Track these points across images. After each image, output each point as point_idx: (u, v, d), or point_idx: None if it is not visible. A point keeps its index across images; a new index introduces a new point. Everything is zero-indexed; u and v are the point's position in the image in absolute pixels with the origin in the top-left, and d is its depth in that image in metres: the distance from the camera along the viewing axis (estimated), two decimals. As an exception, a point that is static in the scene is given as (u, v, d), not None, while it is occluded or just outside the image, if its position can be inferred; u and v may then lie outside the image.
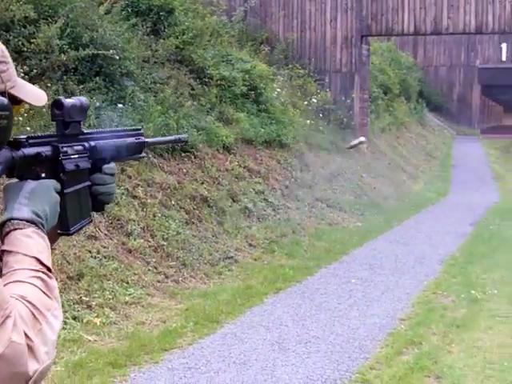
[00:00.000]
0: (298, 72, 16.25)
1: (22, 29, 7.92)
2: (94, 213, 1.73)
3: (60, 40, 8.13)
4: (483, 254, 9.99)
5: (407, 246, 10.57)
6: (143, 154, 1.87)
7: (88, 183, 1.64)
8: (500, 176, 22.31)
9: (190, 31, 11.61)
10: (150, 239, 8.02)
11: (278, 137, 12.80)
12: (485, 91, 33.84)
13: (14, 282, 1.28)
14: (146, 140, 1.85)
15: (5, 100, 1.37)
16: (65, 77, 8.23)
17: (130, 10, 10.77)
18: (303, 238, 10.43)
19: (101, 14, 9.37)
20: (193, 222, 8.95)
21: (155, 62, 10.51)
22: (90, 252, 7.03)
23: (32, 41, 7.89)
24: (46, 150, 1.52)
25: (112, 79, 9.00)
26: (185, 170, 9.62)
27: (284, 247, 9.74)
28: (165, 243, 8.07)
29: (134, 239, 7.72)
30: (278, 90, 13.85)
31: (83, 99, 1.63)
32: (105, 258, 7.17)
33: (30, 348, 1.21)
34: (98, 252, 7.17)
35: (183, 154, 9.81)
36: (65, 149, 1.56)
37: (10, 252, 1.34)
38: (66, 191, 1.55)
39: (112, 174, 1.69)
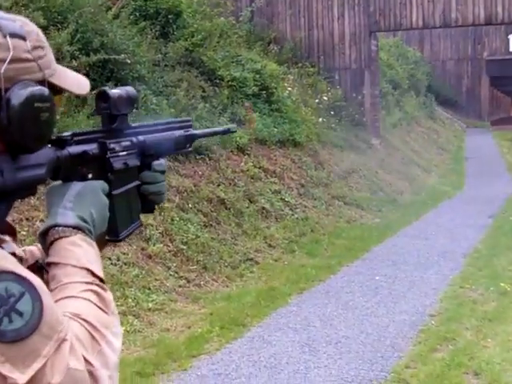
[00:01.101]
0: (308, 70, 16.10)
1: (32, 36, 7.81)
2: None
3: (70, 46, 8.02)
4: (507, 245, 9.81)
5: (428, 241, 10.40)
6: (191, 148, 1.72)
7: (137, 182, 1.50)
8: (514, 167, 22.10)
9: (199, 33, 11.50)
10: (170, 244, 7.89)
11: (291, 136, 12.66)
12: (493, 83, 33.65)
13: (65, 298, 1.14)
14: (195, 132, 1.70)
15: (45, 90, 1.22)
16: (76, 83, 8.11)
17: (138, 14, 10.67)
18: (322, 237, 10.29)
19: (110, 19, 9.25)
20: (211, 225, 8.82)
21: (166, 65, 10.40)
22: (109, 259, 6.90)
23: (42, 48, 7.78)
24: (92, 148, 1.37)
25: (124, 84, 8.88)
26: (200, 173, 9.50)
27: (304, 246, 9.60)
28: (184, 247, 7.94)
29: (154, 244, 7.60)
30: (289, 89, 13.72)
31: (130, 89, 1.49)
32: (125, 264, 7.05)
33: (91, 374, 1.07)
34: (118, 259, 7.04)
35: (198, 157, 9.69)
36: (112, 145, 1.42)
37: (57, 264, 1.19)
38: (114, 192, 1.40)
39: (162, 172, 1.55)
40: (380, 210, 12.95)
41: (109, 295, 1.20)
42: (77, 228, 1.24)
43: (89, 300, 1.15)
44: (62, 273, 1.18)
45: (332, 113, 15.98)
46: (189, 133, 1.67)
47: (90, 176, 1.36)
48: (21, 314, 1.02)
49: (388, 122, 20.08)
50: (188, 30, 11.38)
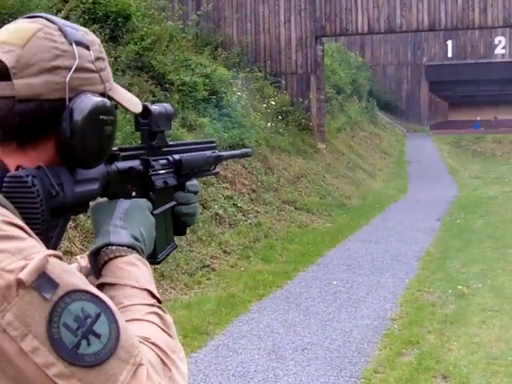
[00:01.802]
0: (255, 75, 16.10)
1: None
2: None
3: (21, 49, 7.80)
4: (457, 248, 9.98)
5: (380, 245, 10.50)
6: (218, 169, 1.67)
7: (174, 203, 1.44)
8: (454, 170, 22.57)
9: (148, 37, 11.38)
10: (126, 251, 7.74)
11: (241, 141, 12.60)
12: (432, 88, 34.34)
13: (129, 320, 1.06)
14: (222, 154, 1.67)
15: (108, 102, 1.16)
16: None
17: (86, 17, 10.47)
18: (276, 242, 10.28)
19: (59, 22, 9.04)
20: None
21: (117, 69, 10.23)
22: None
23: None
24: (137, 165, 1.32)
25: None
26: (154, 179, 9.36)
27: (258, 252, 9.57)
28: (141, 255, 7.80)
29: (110, 252, 7.43)
30: (238, 93, 13.68)
31: (168, 106, 1.44)
32: (82, 273, 6.88)
33: None
34: (75, 267, 6.87)
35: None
36: (153, 163, 1.36)
37: (113, 285, 1.11)
38: (154, 212, 1.33)
39: (196, 192, 1.49)
40: (330, 214, 13.02)
41: (169, 318, 1.13)
42: (131, 247, 1.17)
43: (154, 323, 1.08)
44: (121, 294, 1.10)
45: (279, 117, 16.01)
46: (216, 154, 1.63)
47: (133, 194, 1.31)
48: (98, 337, 0.95)
49: (333, 127, 20.26)
50: (137, 34, 11.24)
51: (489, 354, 5.54)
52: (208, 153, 1.59)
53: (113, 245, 1.16)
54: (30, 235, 0.99)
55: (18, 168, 1.07)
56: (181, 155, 1.47)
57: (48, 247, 1.02)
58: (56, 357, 0.91)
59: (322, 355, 5.66)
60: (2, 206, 1.00)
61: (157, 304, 1.13)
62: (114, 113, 1.17)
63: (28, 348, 0.91)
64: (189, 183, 1.48)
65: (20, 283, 0.91)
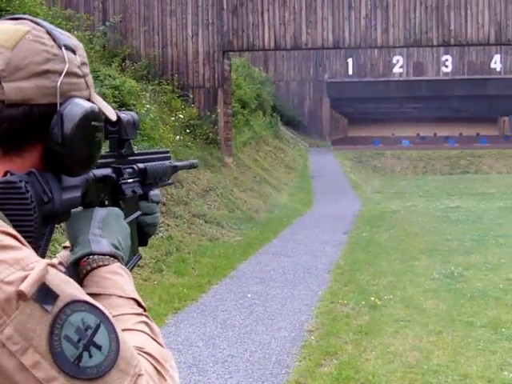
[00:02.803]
0: (163, 88, 16.04)
1: None
2: None
3: None
4: (366, 261, 10.22)
5: (290, 258, 10.63)
6: (173, 180, 1.66)
7: (139, 212, 1.42)
8: (357, 185, 23.17)
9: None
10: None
11: (151, 154, 12.51)
12: (333, 104, 35.16)
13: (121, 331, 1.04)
14: (177, 164, 1.67)
15: (97, 107, 1.13)
16: None
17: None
18: (188, 256, 10.24)
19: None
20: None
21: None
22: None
23: None
24: (110, 172, 1.29)
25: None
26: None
27: (171, 266, 9.50)
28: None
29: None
30: (147, 106, 13.59)
31: (134, 114, 1.42)
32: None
33: None
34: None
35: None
36: (123, 171, 1.35)
37: (98, 295, 1.07)
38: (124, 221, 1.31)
39: (157, 202, 1.47)
40: (239, 228, 13.10)
41: (156, 326, 1.11)
42: (113, 256, 1.15)
43: (144, 332, 1.06)
44: (107, 304, 1.06)
45: (187, 131, 16.00)
46: (173, 164, 1.62)
47: (106, 202, 1.29)
48: (99, 348, 0.92)
49: (239, 141, 20.39)
50: (45, 44, 10.99)
51: (405, 362, 5.70)
52: (167, 163, 1.58)
53: (94, 254, 1.13)
54: (23, 244, 0.95)
55: (5, 174, 1.03)
56: (145, 164, 1.46)
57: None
58: (58, 371, 0.89)
59: (243, 367, 5.67)
60: None
61: (144, 313, 1.11)
62: (102, 119, 1.15)
63: (29, 362, 0.88)
64: (152, 193, 1.46)
65: (21, 295, 0.88)
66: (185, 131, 15.89)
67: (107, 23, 15.62)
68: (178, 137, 14.83)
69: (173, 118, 15.51)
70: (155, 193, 1.47)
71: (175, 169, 1.64)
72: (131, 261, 1.38)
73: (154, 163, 1.50)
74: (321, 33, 17.06)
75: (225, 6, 17.08)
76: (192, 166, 1.86)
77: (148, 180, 1.46)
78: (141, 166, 1.44)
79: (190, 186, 13.72)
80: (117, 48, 16.41)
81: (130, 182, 1.37)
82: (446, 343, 6.20)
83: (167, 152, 1.64)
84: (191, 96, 17.22)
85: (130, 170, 1.40)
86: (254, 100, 25.35)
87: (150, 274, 9.02)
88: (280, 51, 27.67)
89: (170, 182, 1.64)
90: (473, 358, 5.78)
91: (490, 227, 13.36)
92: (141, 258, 1.46)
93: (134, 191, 1.38)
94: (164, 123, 14.46)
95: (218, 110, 17.30)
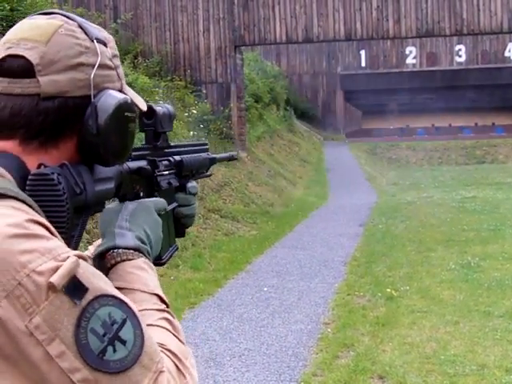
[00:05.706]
0: (176, 84, 16.06)
1: None
2: None
3: None
4: (382, 252, 10.20)
5: (306, 251, 10.63)
6: (211, 172, 1.68)
7: (175, 204, 1.44)
8: (372, 177, 23.10)
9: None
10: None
11: (165, 150, 12.55)
12: (347, 97, 35.03)
13: None
14: (215, 156, 1.68)
15: (130, 99, 1.15)
16: None
17: (4, 24, 10.19)
18: (204, 251, 10.26)
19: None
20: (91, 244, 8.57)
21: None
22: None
23: None
24: (144, 165, 1.31)
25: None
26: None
27: (187, 261, 9.53)
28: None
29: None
30: (161, 102, 13.59)
31: (170, 107, 1.44)
32: None
33: None
34: None
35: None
36: (158, 164, 1.37)
37: (122, 289, 1.07)
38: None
39: (195, 194, 1.49)
40: (255, 222, 13.10)
41: (178, 323, 1.12)
42: (137, 250, 1.16)
43: (166, 329, 1.08)
44: (131, 299, 1.05)
45: (201, 126, 16.01)
46: (211, 156, 1.64)
47: (141, 194, 1.31)
48: (124, 343, 0.94)
49: (252, 135, 20.39)
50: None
51: (422, 353, 5.69)
52: (204, 155, 1.60)
53: (119, 248, 1.15)
54: (53, 234, 0.97)
55: (39, 166, 1.05)
56: (181, 156, 1.48)
57: (69, 247, 1.00)
58: (82, 362, 0.90)
59: (260, 361, 5.69)
60: (27, 205, 0.98)
61: (166, 309, 1.12)
62: (135, 110, 1.16)
63: (54, 352, 0.90)
64: (189, 185, 1.48)
65: (51, 287, 0.90)
66: (198, 127, 15.89)
67: (118, 21, 15.65)
68: (191, 132, 14.84)
69: (186, 114, 15.53)
70: (193, 185, 1.50)
71: (213, 161, 1.66)
72: (167, 251, 1.41)
73: (190, 155, 1.53)
74: (332, 25, 16.99)
75: (235, 1, 17.05)
76: (231, 158, 1.88)
77: (185, 172, 1.49)
78: (177, 158, 1.47)
79: (204, 181, 13.72)
80: (129, 45, 16.44)
81: (165, 174, 1.40)
82: (463, 333, 6.19)
83: (205, 144, 1.67)
84: (204, 91, 17.21)
85: (166, 162, 1.42)
86: (267, 94, 25.31)
87: (166, 269, 9.04)
88: (292, 45, 27.59)
89: (207, 174, 1.66)
90: (490, 348, 5.76)
91: (507, 217, 13.27)
92: (177, 249, 1.48)
93: (169, 183, 1.41)
94: (177, 119, 14.46)
95: (232, 105, 17.29)
